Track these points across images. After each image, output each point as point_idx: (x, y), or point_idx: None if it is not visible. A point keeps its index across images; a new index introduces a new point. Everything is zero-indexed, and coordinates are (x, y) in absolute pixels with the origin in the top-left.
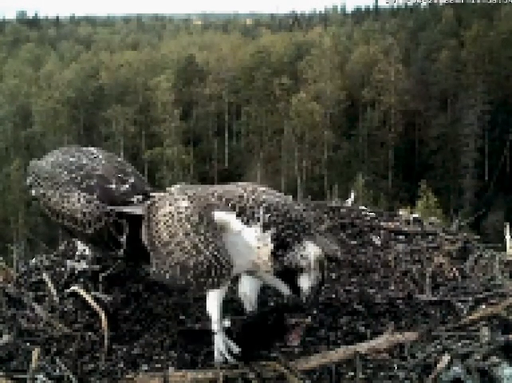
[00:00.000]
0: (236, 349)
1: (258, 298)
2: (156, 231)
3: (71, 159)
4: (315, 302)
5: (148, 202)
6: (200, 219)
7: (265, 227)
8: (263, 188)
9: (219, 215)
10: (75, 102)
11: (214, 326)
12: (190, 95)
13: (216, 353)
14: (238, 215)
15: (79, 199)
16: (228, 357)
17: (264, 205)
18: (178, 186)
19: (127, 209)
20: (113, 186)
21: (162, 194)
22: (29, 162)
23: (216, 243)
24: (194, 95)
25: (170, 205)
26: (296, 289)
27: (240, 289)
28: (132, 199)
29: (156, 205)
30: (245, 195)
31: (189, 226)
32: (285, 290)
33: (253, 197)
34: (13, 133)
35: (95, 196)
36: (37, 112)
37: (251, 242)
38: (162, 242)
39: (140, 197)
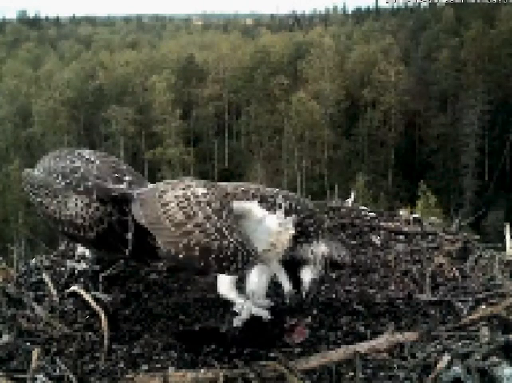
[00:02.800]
0: (266, 315)
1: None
2: (165, 212)
3: (63, 163)
4: (314, 301)
5: (149, 186)
6: (221, 206)
7: (287, 213)
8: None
9: (239, 205)
10: (75, 102)
11: (238, 300)
12: (190, 95)
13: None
14: (259, 203)
15: (77, 204)
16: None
17: (282, 194)
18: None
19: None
20: (110, 185)
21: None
22: (22, 172)
23: (240, 231)
24: (194, 95)
25: (183, 189)
26: (297, 282)
27: (248, 286)
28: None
29: (162, 189)
30: (260, 187)
31: (210, 210)
32: (286, 283)
33: (269, 189)
34: (13, 133)
35: (94, 198)
36: (36, 112)
37: (273, 226)
38: (174, 223)
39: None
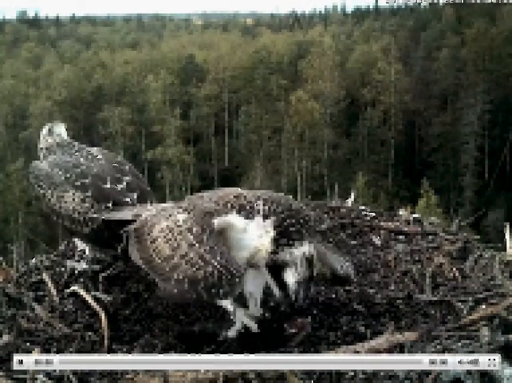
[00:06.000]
0: (254, 327)
1: (261, 297)
2: (154, 249)
3: (69, 158)
4: (305, 300)
5: (137, 222)
6: (202, 229)
7: (266, 217)
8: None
9: (220, 221)
10: (73, 102)
11: (229, 308)
12: (189, 94)
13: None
14: (238, 213)
15: (74, 199)
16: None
17: (263, 198)
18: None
19: (118, 215)
20: (108, 185)
21: (149, 209)
22: (31, 163)
23: (222, 252)
24: (193, 94)
25: (166, 219)
26: (282, 285)
27: (245, 288)
28: (127, 199)
29: (149, 223)
30: (243, 193)
31: (191, 237)
32: (275, 288)
33: (251, 193)
34: (12, 133)
35: (89, 195)
36: (34, 113)
37: (254, 232)
38: (163, 258)
39: (135, 195)
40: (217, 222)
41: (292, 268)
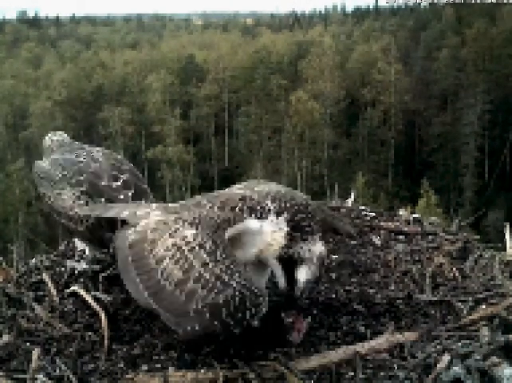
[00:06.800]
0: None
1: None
2: (162, 271)
3: (68, 156)
4: (306, 298)
5: (130, 239)
6: (215, 245)
7: (278, 214)
8: (263, 184)
9: (233, 230)
10: (73, 102)
11: None
12: (189, 94)
13: None
14: (250, 215)
15: (70, 196)
16: None
17: (270, 196)
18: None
19: (110, 214)
20: (103, 182)
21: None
22: (34, 162)
23: (240, 270)
24: (193, 94)
25: (171, 236)
26: (291, 280)
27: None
28: (121, 196)
29: (150, 237)
30: (247, 193)
31: (205, 254)
32: (281, 280)
33: (257, 193)
34: (13, 133)
35: (84, 191)
36: (34, 113)
37: (267, 229)
38: (174, 282)
39: (130, 193)
40: (230, 232)
41: (306, 266)
